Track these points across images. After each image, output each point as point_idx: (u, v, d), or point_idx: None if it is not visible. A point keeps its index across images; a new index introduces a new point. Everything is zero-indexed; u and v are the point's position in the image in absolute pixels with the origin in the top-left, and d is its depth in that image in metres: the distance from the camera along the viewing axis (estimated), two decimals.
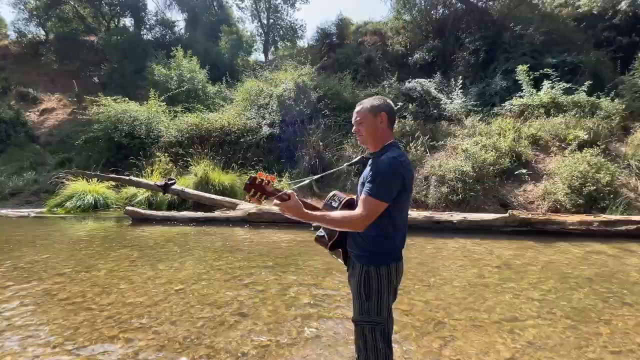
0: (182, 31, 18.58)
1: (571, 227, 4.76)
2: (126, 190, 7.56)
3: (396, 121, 8.11)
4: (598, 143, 7.05)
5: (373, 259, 1.45)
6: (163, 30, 17.80)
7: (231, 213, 6.10)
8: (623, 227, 4.60)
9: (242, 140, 9.07)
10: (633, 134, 7.48)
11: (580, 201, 5.89)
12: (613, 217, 4.87)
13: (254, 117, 9.63)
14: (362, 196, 1.39)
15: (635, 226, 4.56)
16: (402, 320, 2.48)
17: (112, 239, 5.11)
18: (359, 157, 1.67)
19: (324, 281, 3.31)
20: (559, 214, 5.18)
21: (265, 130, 9.24)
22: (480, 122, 8.96)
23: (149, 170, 7.90)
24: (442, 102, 10.55)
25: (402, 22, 16.03)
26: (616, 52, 10.50)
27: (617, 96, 8.45)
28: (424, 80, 11.93)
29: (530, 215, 4.94)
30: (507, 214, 5.01)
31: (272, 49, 19.19)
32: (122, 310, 2.67)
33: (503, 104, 9.71)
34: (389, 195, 1.37)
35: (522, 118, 8.88)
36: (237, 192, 7.70)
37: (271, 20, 19.73)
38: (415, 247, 4.47)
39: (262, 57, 19.83)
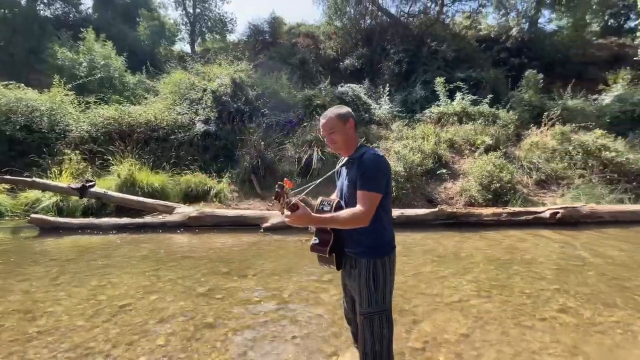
0: (90, 10, 16.14)
1: (486, 218, 5.63)
2: (26, 195, 6.27)
3: None
4: (500, 147, 8.46)
5: (377, 252, 1.56)
6: (65, 8, 15.21)
7: (168, 218, 5.58)
8: (524, 217, 5.64)
9: (172, 137, 8.33)
10: (523, 140, 9.16)
11: (489, 196, 7.00)
12: (516, 209, 5.92)
13: (185, 112, 8.94)
14: (360, 193, 1.47)
15: (532, 216, 5.64)
16: None
17: (18, 254, 4.21)
18: (345, 159, 1.74)
19: (289, 282, 3.31)
20: (475, 208, 6.09)
21: (200, 126, 8.66)
22: (405, 127, 9.88)
23: (56, 171, 6.70)
24: (371, 107, 11.34)
25: (334, 28, 16.66)
26: (510, 71, 12.66)
27: (511, 108, 10.22)
28: (354, 85, 12.66)
29: (455, 210, 5.70)
30: (437, 209, 5.68)
31: (199, 40, 18.02)
32: (60, 338, 2.26)
33: (424, 112, 10.86)
34: (381, 187, 1.51)
35: (439, 124, 10.07)
36: (169, 194, 7.07)
37: (198, 10, 18.49)
38: None
39: (187, 48, 18.48)
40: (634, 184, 7.23)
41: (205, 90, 9.37)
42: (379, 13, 15.80)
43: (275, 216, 5.51)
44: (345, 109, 1.66)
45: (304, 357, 2.12)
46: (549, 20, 16.52)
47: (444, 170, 8.02)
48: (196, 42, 17.87)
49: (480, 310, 2.70)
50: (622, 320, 2.50)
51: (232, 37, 18.34)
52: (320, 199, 1.70)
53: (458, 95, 10.54)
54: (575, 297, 2.93)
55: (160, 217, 5.77)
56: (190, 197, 7.21)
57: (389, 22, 15.47)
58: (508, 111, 10.03)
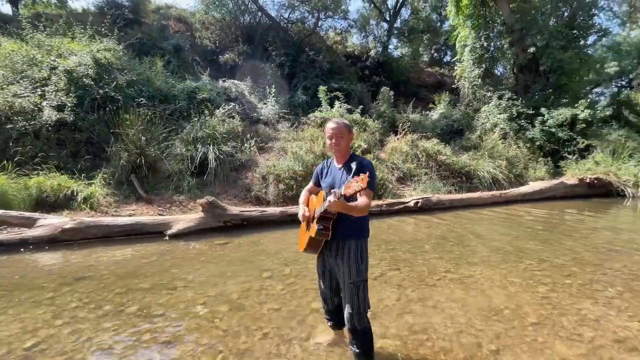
0: None
1: (372, 209, 6.76)
2: None
3: (227, 121, 8.14)
4: (371, 151, 10.12)
5: (363, 234, 1.97)
6: None
7: (28, 232, 4.26)
8: (397, 207, 7.06)
9: (9, 126, 6.25)
10: (386, 145, 11.21)
11: None
12: (391, 200, 7.34)
13: (26, 95, 6.82)
14: (364, 190, 1.73)
15: (403, 205, 7.13)
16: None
17: None
18: (331, 160, 2.12)
19: (229, 286, 3.21)
20: None
21: (50, 114, 6.78)
22: (291, 129, 10.52)
23: None
24: (258, 106, 11.49)
25: (212, 18, 15.79)
26: (372, 86, 15.09)
27: (377, 118, 12.28)
28: (238, 82, 12.52)
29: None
30: None
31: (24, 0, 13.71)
32: None
33: (309, 115, 11.76)
34: (375, 186, 1.90)
35: (322, 128, 11.16)
36: (11, 203, 5.32)
37: None
38: (282, 241, 4.95)
39: (7, 9, 13.80)
40: (457, 179, 10.04)
41: (55, 68, 7.37)
42: (260, 13, 15.94)
43: (181, 221, 5.03)
44: (348, 122, 2.06)
45: (284, 346, 2.24)
46: (396, 48, 20.50)
47: None
48: (20, 2, 13.48)
49: (397, 280, 3.40)
50: (482, 273, 3.66)
51: (75, 4, 14.72)
52: (332, 190, 1.88)
53: (337, 103, 11.90)
54: (450, 261, 4.04)
55: (16, 232, 4.32)
56: (46, 205, 5.65)
57: (270, 24, 15.81)
58: (374, 121, 12.03)
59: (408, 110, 13.67)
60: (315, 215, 1.94)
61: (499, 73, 14.38)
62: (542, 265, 3.93)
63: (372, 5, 19.37)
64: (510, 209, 8.18)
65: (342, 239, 1.93)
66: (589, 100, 12.91)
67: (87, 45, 8.20)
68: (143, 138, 7.15)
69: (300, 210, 2.13)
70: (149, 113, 7.62)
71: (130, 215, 5.66)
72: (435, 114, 14.01)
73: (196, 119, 8.17)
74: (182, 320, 2.56)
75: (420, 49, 21.97)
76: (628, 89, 20.00)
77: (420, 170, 10.05)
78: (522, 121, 12.25)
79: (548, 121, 11.92)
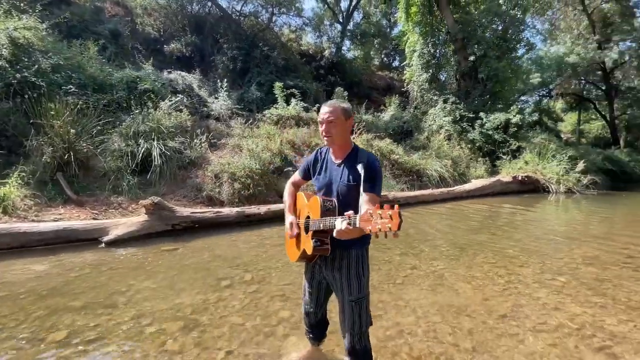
0: None
1: None
2: None
3: (174, 114, 7.54)
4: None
5: (364, 243, 1.69)
6: None
7: None
8: None
9: None
10: None
11: None
12: None
13: None
14: (369, 195, 1.50)
15: None
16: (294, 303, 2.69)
17: None
18: (327, 149, 1.77)
19: (183, 299, 2.81)
20: None
21: None
22: (245, 125, 10.06)
23: None
24: (208, 101, 10.81)
25: (155, 4, 14.52)
26: (327, 86, 15.09)
27: None
28: (185, 74, 11.69)
29: None
30: None
31: None
32: None
33: (264, 112, 11.35)
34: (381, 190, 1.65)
35: (278, 125, 10.84)
36: None
37: None
38: (240, 244, 4.58)
39: None
40: (409, 177, 10.42)
41: None
42: (210, 3, 15.05)
43: (120, 225, 4.39)
44: (348, 105, 1.67)
45: None
46: (349, 50, 20.86)
47: (290, 168, 8.73)
48: None
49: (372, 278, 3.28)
50: (446, 267, 3.71)
51: None
52: (321, 199, 1.61)
53: (293, 100, 11.65)
54: (415, 257, 4.05)
55: None
56: None
57: (221, 16, 15.01)
58: None
59: (361, 110, 13.92)
60: (310, 228, 1.62)
61: (443, 78, 15.29)
62: (496, 257, 4.12)
63: (326, 5, 19.46)
64: (457, 204, 8.69)
65: (340, 249, 1.64)
66: (519, 106, 14.38)
67: (2, 21, 6.91)
68: (72, 131, 6.19)
69: (287, 219, 1.78)
70: (80, 103, 6.64)
71: (55, 220, 4.82)
72: (386, 115, 14.44)
73: (137, 111, 7.33)
74: (125, 345, 2.14)
75: (372, 52, 22.67)
76: (548, 98, 22.77)
77: None
78: (464, 124, 13.18)
79: (486, 124, 12.96)
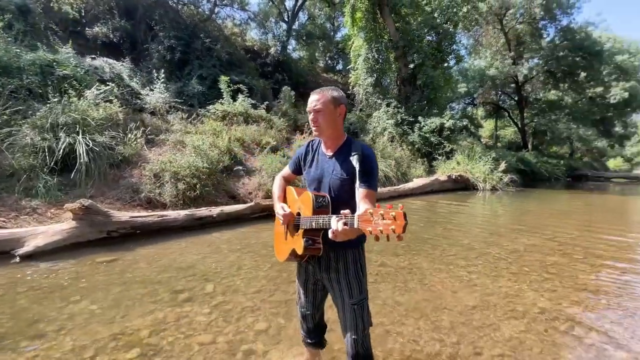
0: None
1: None
2: None
3: (103, 105, 6.72)
4: (280, 148, 9.76)
5: (361, 240, 1.56)
6: None
7: None
8: None
9: None
10: (292, 143, 11.04)
11: None
12: None
13: None
14: (366, 191, 1.39)
15: None
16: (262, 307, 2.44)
17: None
18: (317, 141, 1.65)
19: (131, 319, 2.34)
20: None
21: None
22: (187, 121, 9.30)
23: None
24: (142, 93, 9.76)
25: None
26: (274, 84, 14.72)
27: (282, 116, 12.00)
28: (113, 61, 10.43)
29: (267, 203, 6.08)
30: (253, 203, 5.83)
31: None
32: None
33: (208, 107, 10.61)
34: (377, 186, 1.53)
35: (224, 122, 10.22)
36: None
37: None
38: (193, 250, 4.11)
39: None
40: None
41: None
42: None
43: (40, 234, 3.59)
44: (339, 92, 1.54)
45: None
46: (295, 49, 20.72)
47: (240, 167, 8.25)
48: None
49: None
50: (411, 263, 3.77)
51: None
52: (313, 194, 1.44)
53: (240, 96, 11.09)
54: (379, 254, 4.06)
55: None
56: None
57: (155, 0, 13.64)
58: (280, 118, 11.73)
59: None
60: (302, 226, 1.45)
61: (386, 83, 16.04)
62: (453, 249, 4.34)
63: (271, 2, 19.06)
64: (403, 202, 9.13)
65: (334, 249, 1.50)
66: (451, 112, 15.77)
67: None
68: None
69: (277, 207, 1.61)
70: None
71: None
72: None
73: (56, 100, 6.21)
74: None
75: (317, 54, 22.89)
76: (472, 106, 25.48)
77: None
78: (405, 127, 13.99)
79: (424, 128, 13.92)
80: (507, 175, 13.42)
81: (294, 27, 19.63)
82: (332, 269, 1.53)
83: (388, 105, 14.34)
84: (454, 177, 12.49)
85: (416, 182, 11.10)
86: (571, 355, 2.05)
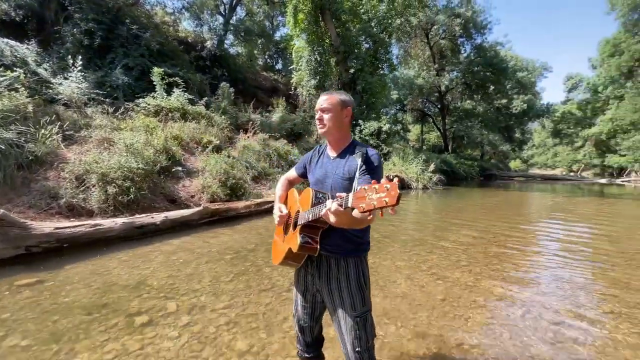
0: None
1: (242, 211, 6.08)
2: None
3: (7, 95, 5.75)
4: (223, 147, 9.20)
5: (363, 249, 1.51)
6: None
7: None
8: (265, 207, 6.65)
9: None
10: (235, 142, 10.51)
11: (228, 191, 7.51)
12: (258, 200, 6.85)
13: None
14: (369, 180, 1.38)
15: (270, 204, 6.77)
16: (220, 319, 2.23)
17: None
18: (324, 146, 1.62)
19: (82, 356, 1.92)
20: (232, 203, 6.35)
21: None
22: (113, 116, 8.24)
23: None
24: (53, 82, 8.36)
25: None
26: (212, 79, 13.85)
27: (223, 113, 11.34)
28: (16, 43, 8.78)
29: (217, 206, 5.65)
30: (201, 208, 5.35)
31: None
32: None
33: (137, 101, 9.52)
34: None
35: (158, 118, 9.28)
36: None
37: None
38: (140, 263, 3.58)
39: None
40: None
41: None
42: None
43: None
44: (347, 96, 1.53)
45: None
46: (232, 45, 19.82)
47: (179, 168, 7.55)
48: None
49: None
50: (374, 260, 3.85)
51: None
52: (313, 191, 1.41)
53: (176, 90, 10.18)
54: None
55: None
56: None
57: None
58: (220, 116, 11.08)
59: (249, 109, 13.42)
60: (299, 222, 1.39)
61: (328, 86, 16.36)
62: (406, 246, 4.58)
63: None
64: None
65: (335, 256, 1.43)
66: (386, 117, 16.80)
67: None
68: None
69: (276, 208, 1.60)
70: None
71: None
72: (274, 117, 14.39)
73: None
74: None
75: (256, 51, 22.28)
76: (402, 112, 27.51)
77: (273, 169, 10.01)
78: None
79: (364, 130, 14.58)
80: (435, 175, 14.79)
81: (231, 21, 18.80)
82: (333, 279, 1.46)
83: None
84: (391, 177, 13.30)
85: None
86: (535, 337, 2.29)
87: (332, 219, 1.15)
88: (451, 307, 2.73)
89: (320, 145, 1.65)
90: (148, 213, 5.08)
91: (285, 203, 1.64)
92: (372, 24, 16.03)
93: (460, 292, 3.05)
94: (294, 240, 1.38)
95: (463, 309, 2.69)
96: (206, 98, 11.08)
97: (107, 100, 9.00)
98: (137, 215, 4.66)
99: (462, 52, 23.60)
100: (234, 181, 7.66)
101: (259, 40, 21.40)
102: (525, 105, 26.22)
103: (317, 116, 1.48)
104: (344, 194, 1.13)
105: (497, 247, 4.61)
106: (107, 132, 7.09)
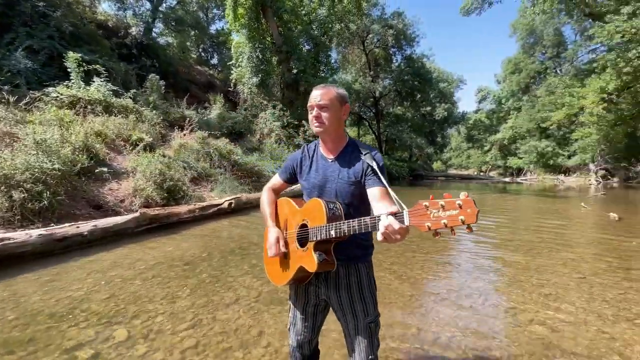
0: None
1: (185, 216, 5.51)
2: None
3: None
4: (156, 146, 8.29)
5: (370, 253, 1.45)
6: None
7: None
8: (211, 210, 6.15)
9: None
10: (170, 140, 9.58)
11: (165, 194, 6.76)
12: (204, 203, 6.29)
13: None
14: (384, 189, 1.30)
15: (217, 208, 6.30)
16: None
17: None
18: (316, 145, 1.47)
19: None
20: (173, 207, 5.70)
21: None
22: (13, 106, 6.89)
23: None
24: None
25: None
26: (139, 69, 12.41)
27: (153, 108, 10.23)
28: None
29: (157, 212, 5.01)
30: (138, 214, 4.69)
31: None
32: None
33: (46, 90, 8.07)
34: None
35: (75, 111, 8.00)
36: None
37: None
38: (65, 284, 2.96)
39: None
40: (250, 178, 10.20)
41: None
42: None
43: None
44: (344, 90, 1.39)
45: None
46: (162, 34, 18.11)
47: (104, 169, 6.56)
48: None
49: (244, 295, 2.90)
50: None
51: None
52: (324, 201, 1.26)
53: (97, 80, 8.87)
54: None
55: None
56: None
57: None
58: (151, 111, 9.99)
59: (182, 105, 12.39)
60: (313, 238, 1.24)
61: (270, 85, 16.03)
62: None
63: None
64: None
65: (345, 264, 1.34)
66: None
67: None
68: None
69: (271, 234, 1.39)
70: None
71: None
72: (212, 114, 13.58)
73: None
74: None
75: (189, 43, 20.76)
76: None
77: (215, 169, 9.37)
78: (291, 130, 14.33)
79: (307, 131, 14.62)
80: None
81: (160, 8, 17.16)
82: (343, 286, 1.36)
83: (274, 107, 14.35)
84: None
85: None
86: (482, 325, 2.48)
87: (391, 240, 1.01)
88: (422, 302, 2.81)
89: (307, 145, 1.50)
90: (70, 222, 4.26)
91: (276, 218, 1.47)
92: (314, 26, 16.18)
93: (423, 287, 3.17)
94: (308, 259, 1.24)
95: (432, 304, 2.80)
96: (134, 90, 9.86)
97: (6, 87, 7.43)
98: (58, 226, 3.88)
99: (394, 61, 25.40)
100: (171, 183, 6.94)
101: (192, 32, 19.99)
102: (446, 112, 29.36)
103: (313, 113, 1.31)
104: (394, 209, 1.03)
105: (432, 242, 4.98)
106: (8, 126, 5.82)
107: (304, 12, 15.82)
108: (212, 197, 8.02)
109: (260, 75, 14.44)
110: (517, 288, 3.15)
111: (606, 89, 15.10)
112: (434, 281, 3.39)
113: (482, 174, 36.61)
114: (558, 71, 29.35)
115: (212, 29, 23.11)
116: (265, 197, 1.52)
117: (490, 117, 38.46)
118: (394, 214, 1.02)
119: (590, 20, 17.29)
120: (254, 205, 7.73)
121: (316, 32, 16.37)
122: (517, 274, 3.55)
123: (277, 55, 15.15)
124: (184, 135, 10.07)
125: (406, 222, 0.98)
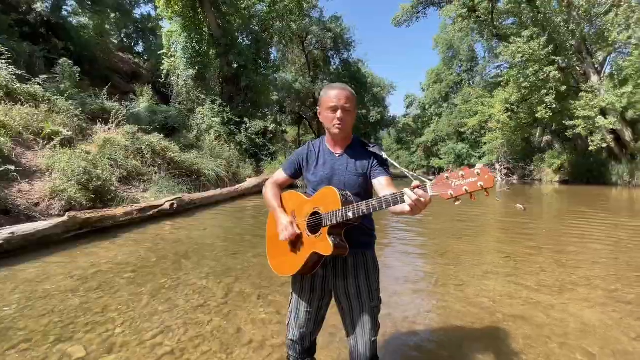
0: None
1: (122, 219, 4.92)
2: None
3: None
4: (78, 140, 7.22)
5: (374, 240, 1.54)
6: None
7: None
8: (150, 212, 5.60)
9: None
10: (92, 135, 8.42)
11: (92, 196, 5.93)
12: (142, 205, 5.67)
13: None
14: (390, 178, 1.44)
15: (157, 209, 5.75)
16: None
17: None
18: (318, 143, 1.54)
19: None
20: (107, 210, 5.03)
21: None
22: None
23: None
24: None
25: None
26: (48, 52, 10.62)
27: (69, 98, 8.88)
28: None
29: (89, 215, 4.38)
30: (66, 218, 4.04)
31: None
32: None
33: None
34: None
35: None
36: None
37: None
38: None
39: None
40: (188, 177, 9.53)
41: None
42: None
43: None
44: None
45: None
46: (75, 14, 15.76)
47: (11, 167, 5.50)
48: None
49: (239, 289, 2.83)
50: None
51: None
52: (337, 190, 1.31)
53: None
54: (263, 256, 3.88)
55: None
56: None
57: None
58: (66, 100, 8.65)
59: (102, 95, 10.89)
60: (327, 223, 1.27)
61: (209, 78, 15.18)
62: None
63: None
64: (244, 201, 9.08)
65: (354, 251, 1.38)
66: (272, 117, 16.91)
67: None
68: None
69: (281, 220, 1.40)
70: None
71: None
72: (140, 106, 12.31)
73: None
74: None
75: (108, 27, 18.45)
76: (282, 113, 28.20)
77: (148, 168, 8.54)
78: (232, 127, 13.79)
79: (250, 129, 14.25)
80: None
81: None
82: (351, 274, 1.43)
83: (213, 102, 13.62)
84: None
85: (250, 182, 11.17)
86: (468, 321, 2.79)
87: (418, 212, 1.09)
88: (412, 299, 3.00)
89: (312, 141, 1.55)
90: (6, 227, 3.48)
91: (284, 207, 1.49)
92: (254, 21, 15.80)
93: (400, 283, 3.39)
94: (323, 243, 1.27)
95: (426, 300, 3.01)
96: (44, 76, 8.44)
97: None
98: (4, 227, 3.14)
99: (332, 64, 26.17)
100: (99, 183, 6.13)
101: (113, 15, 17.85)
102: (379, 116, 31.33)
103: (337, 115, 1.35)
104: (417, 182, 1.10)
105: (405, 232, 5.36)
106: None
107: (243, 5, 15.33)
108: (146, 198, 7.30)
109: (197, 68, 13.58)
110: (461, 269, 3.56)
111: (509, 100, 17.81)
112: (391, 269, 3.64)
113: (411, 173, 39.99)
114: (472, 83, 33.60)
115: (137, 12, 20.96)
116: (269, 191, 1.54)
117: (416, 121, 42.19)
118: (418, 187, 1.09)
119: (497, 40, 20.16)
120: (198, 206, 7.28)
121: (257, 27, 16.02)
122: (460, 256, 4.01)
123: (215, 48, 14.42)
124: (109, 129, 8.96)
125: (430, 193, 1.07)
